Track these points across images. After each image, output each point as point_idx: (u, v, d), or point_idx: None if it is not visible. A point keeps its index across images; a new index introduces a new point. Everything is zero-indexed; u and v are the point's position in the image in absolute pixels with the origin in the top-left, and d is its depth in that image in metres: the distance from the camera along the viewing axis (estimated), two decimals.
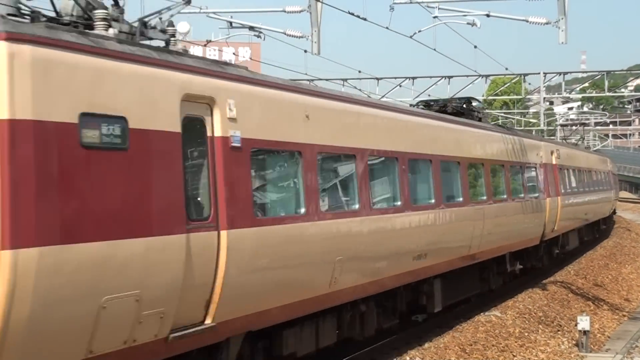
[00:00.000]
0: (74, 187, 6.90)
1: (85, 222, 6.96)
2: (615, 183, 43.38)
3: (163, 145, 7.87)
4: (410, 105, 21.42)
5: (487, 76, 37.37)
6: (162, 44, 8.81)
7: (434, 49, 25.07)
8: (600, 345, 15.34)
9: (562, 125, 55.52)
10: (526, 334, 15.10)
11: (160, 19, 8.82)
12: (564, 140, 36.50)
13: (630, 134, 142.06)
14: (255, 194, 9.43)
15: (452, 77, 36.85)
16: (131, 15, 8.85)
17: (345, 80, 35.66)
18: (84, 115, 7.01)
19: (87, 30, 7.75)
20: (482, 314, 16.57)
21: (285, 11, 22.03)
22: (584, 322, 14.34)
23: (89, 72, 7.19)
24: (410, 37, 23.79)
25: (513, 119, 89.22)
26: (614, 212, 43.83)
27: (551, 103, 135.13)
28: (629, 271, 25.25)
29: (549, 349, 14.26)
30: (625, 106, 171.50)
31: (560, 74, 38.46)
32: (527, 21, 22.15)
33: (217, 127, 8.69)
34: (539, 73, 37.98)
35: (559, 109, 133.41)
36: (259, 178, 9.71)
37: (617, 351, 14.56)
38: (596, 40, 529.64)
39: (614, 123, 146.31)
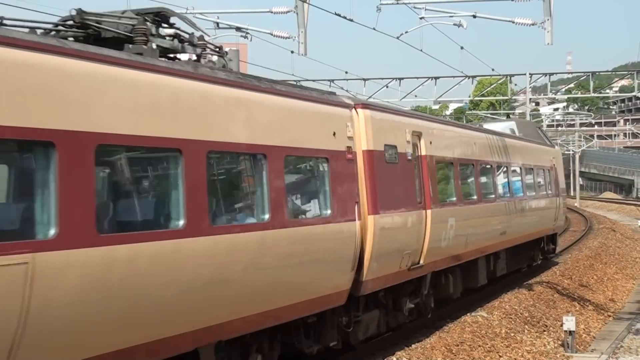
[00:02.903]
0: (385, 183, 12.68)
1: (391, 201, 12.86)
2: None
3: (407, 160, 13.80)
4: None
5: (473, 77, 37.53)
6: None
7: (421, 50, 25.18)
8: (586, 345, 15.41)
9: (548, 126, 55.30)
10: (512, 334, 15.15)
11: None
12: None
13: (615, 135, 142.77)
14: (438, 189, 15.22)
15: (438, 77, 36.97)
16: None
17: (332, 81, 35.72)
18: (385, 145, 12.90)
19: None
20: (468, 314, 16.62)
21: (272, 12, 22.05)
22: (569, 323, 14.40)
23: (387, 123, 13.28)
24: (397, 37, 23.88)
25: (499, 119, 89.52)
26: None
27: (537, 104, 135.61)
28: (614, 271, 25.36)
29: (534, 349, 14.31)
30: (610, 107, 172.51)
31: (546, 74, 38.67)
32: (513, 22, 22.26)
33: (422, 149, 14.62)
34: (524, 74, 38.17)
35: (545, 110, 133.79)
36: (439, 179, 15.53)
37: (602, 351, 14.63)
38: (582, 41, 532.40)
39: (599, 124, 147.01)
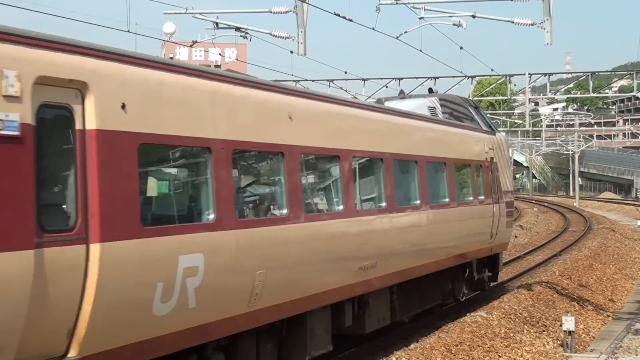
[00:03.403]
0: None
1: None
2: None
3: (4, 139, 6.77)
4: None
5: (473, 77, 37.49)
6: None
7: (420, 50, 25.15)
8: (585, 345, 15.43)
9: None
10: (512, 335, 15.15)
11: None
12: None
13: (614, 135, 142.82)
14: (154, 197, 8.95)
15: (438, 77, 36.95)
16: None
17: (331, 80, 35.73)
18: None
19: None
20: (468, 314, 16.63)
21: (271, 12, 22.04)
22: (568, 323, 14.42)
23: None
24: (397, 38, 23.84)
25: (499, 119, 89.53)
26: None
27: (536, 104, 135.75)
28: (613, 271, 25.37)
29: (534, 349, 14.32)
30: (610, 107, 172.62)
31: (545, 74, 38.64)
32: (513, 22, 22.21)
33: (90, 117, 7.62)
34: (524, 74, 38.11)
35: (544, 110, 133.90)
36: (161, 179, 9.37)
37: (601, 351, 14.64)
38: (581, 41, 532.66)
39: (599, 124, 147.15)
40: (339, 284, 11.72)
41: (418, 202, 14.57)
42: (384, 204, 13.19)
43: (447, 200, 16.02)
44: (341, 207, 11.84)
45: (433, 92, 19.81)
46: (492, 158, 19.10)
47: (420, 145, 15.05)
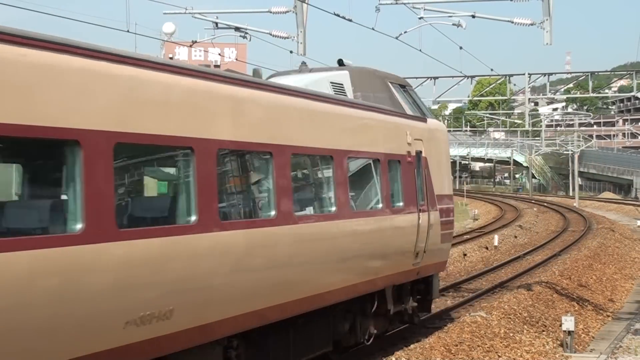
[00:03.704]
0: None
1: None
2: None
3: None
4: None
5: (472, 77, 37.53)
6: None
7: (420, 50, 25.16)
8: (585, 345, 15.43)
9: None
10: (511, 335, 15.15)
11: None
12: None
13: (614, 135, 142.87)
14: None
15: (437, 77, 36.99)
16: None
17: None
18: None
19: None
20: (467, 314, 16.64)
21: (270, 12, 22.06)
22: (568, 323, 14.42)
23: None
24: (396, 38, 23.85)
25: (498, 119, 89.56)
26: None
27: (536, 104, 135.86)
28: (613, 272, 25.37)
29: (533, 349, 14.32)
30: (609, 107, 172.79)
31: (545, 74, 38.71)
32: (512, 22, 22.22)
33: None
34: (524, 74, 38.15)
35: (544, 110, 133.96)
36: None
37: (601, 351, 14.64)
38: (581, 41, 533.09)
39: (598, 124, 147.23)
40: (80, 350, 7.02)
41: (272, 212, 9.91)
42: (193, 218, 8.40)
43: (332, 208, 11.42)
44: (79, 225, 6.97)
45: (344, 65, 14.59)
46: (420, 152, 14.50)
47: (282, 131, 10.32)
